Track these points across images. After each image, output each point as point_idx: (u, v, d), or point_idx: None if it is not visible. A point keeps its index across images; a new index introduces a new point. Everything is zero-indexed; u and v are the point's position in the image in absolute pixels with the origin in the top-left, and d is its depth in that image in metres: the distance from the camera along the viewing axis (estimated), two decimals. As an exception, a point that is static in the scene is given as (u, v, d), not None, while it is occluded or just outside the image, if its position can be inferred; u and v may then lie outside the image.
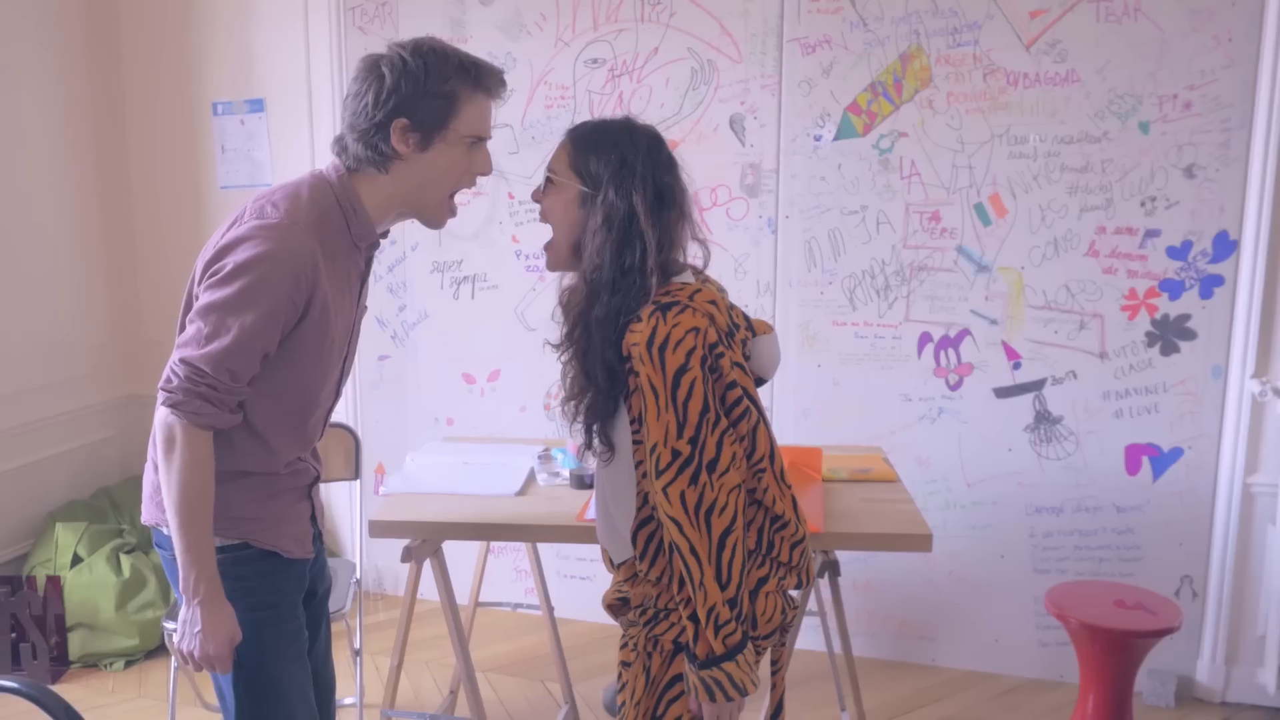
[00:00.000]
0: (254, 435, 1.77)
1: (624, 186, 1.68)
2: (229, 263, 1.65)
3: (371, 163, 1.74)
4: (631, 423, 1.70)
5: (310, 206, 1.72)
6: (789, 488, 1.78)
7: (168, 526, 1.75)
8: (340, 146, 1.77)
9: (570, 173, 1.73)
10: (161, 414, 1.69)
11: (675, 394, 1.61)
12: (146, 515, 1.86)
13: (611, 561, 1.84)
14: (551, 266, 1.82)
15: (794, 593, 1.89)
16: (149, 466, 1.85)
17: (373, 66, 1.73)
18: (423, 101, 1.71)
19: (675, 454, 1.62)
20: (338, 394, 1.93)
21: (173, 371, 1.69)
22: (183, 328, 1.75)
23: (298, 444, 1.85)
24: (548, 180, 1.77)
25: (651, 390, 1.62)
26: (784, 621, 1.77)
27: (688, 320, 1.63)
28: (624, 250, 1.67)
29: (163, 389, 1.69)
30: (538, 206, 1.83)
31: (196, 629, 1.71)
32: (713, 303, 1.68)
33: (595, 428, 1.72)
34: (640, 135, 1.75)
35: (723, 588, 1.62)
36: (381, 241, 1.88)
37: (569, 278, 1.79)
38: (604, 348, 1.67)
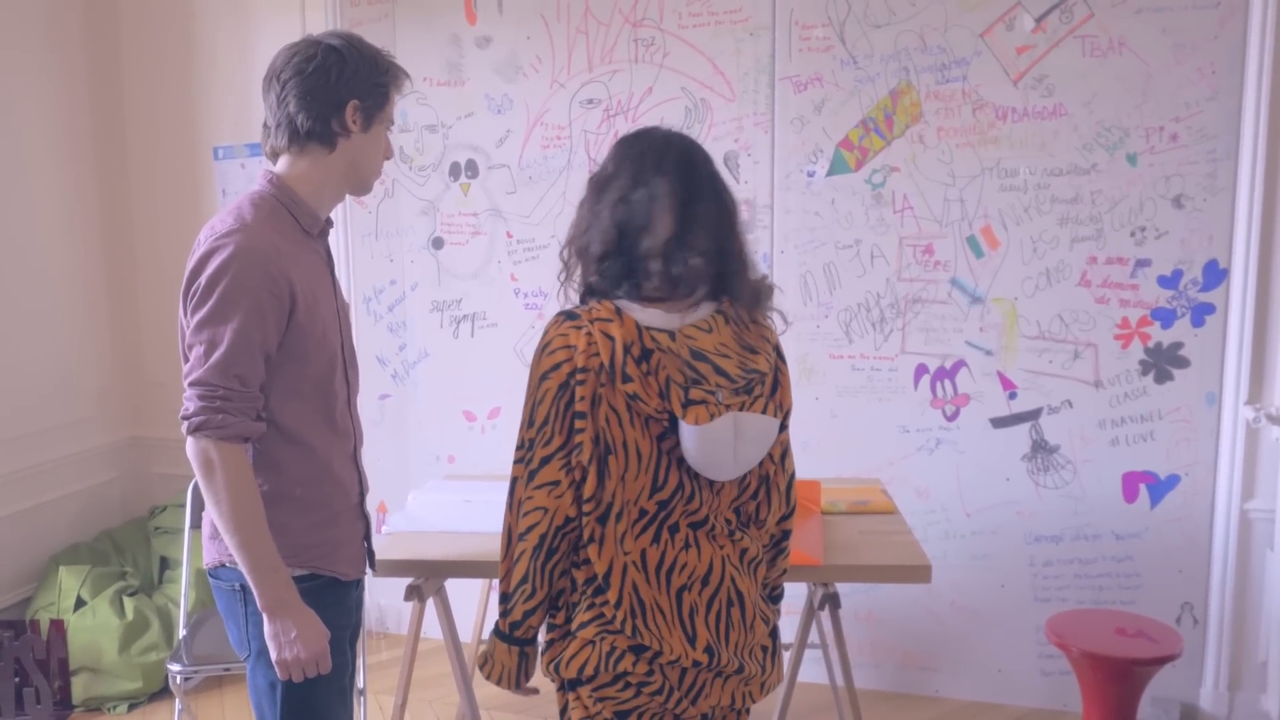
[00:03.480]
0: (293, 442, 1.84)
1: (594, 190, 1.78)
2: (201, 281, 1.74)
3: (321, 139, 1.85)
4: None
5: (255, 211, 1.82)
6: (626, 553, 1.69)
7: (230, 561, 1.82)
8: (291, 130, 1.84)
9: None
10: (190, 446, 1.74)
11: (535, 392, 1.69)
12: (206, 558, 1.91)
13: None
14: None
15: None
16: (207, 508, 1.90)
17: (329, 49, 1.83)
18: (374, 85, 1.88)
19: (520, 442, 1.71)
20: (350, 385, 1.99)
21: (186, 399, 1.74)
22: (186, 360, 1.81)
23: (335, 437, 1.91)
24: None
25: (528, 377, 1.72)
26: (626, 701, 1.73)
27: (572, 337, 1.68)
28: (581, 243, 1.77)
29: (183, 419, 1.74)
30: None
31: (292, 635, 1.78)
32: (609, 337, 1.65)
33: None
34: (647, 142, 1.80)
35: (504, 578, 1.73)
36: (330, 229, 2.00)
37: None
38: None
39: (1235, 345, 3.12)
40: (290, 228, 1.86)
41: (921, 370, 3.40)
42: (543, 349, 1.69)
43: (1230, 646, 3.23)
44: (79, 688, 3.47)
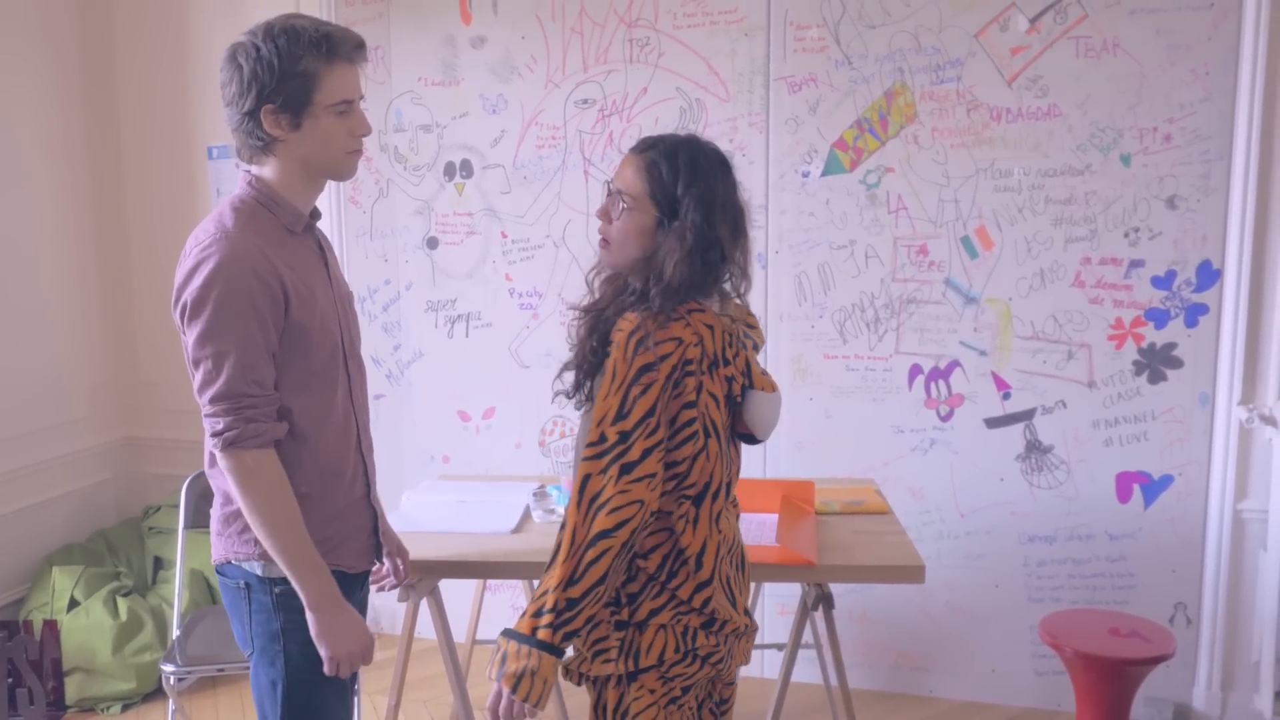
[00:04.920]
0: (298, 438, 1.83)
1: (710, 216, 1.73)
2: (194, 294, 1.73)
3: (259, 149, 1.83)
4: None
5: (235, 215, 1.80)
6: (720, 532, 1.77)
7: (236, 558, 1.83)
8: (240, 145, 1.87)
9: (648, 201, 1.76)
10: (228, 462, 1.74)
11: (631, 386, 1.66)
12: (214, 554, 1.91)
13: None
14: (610, 265, 1.84)
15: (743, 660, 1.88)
16: (216, 504, 1.90)
17: (231, 58, 1.81)
18: (282, 84, 1.76)
19: (602, 437, 1.67)
20: (351, 376, 1.97)
21: (214, 418, 1.74)
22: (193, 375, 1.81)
23: (339, 430, 1.91)
24: (623, 206, 1.78)
25: (611, 371, 1.68)
26: (692, 675, 1.76)
27: (675, 330, 1.69)
28: (704, 269, 1.73)
29: (214, 436, 1.73)
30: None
31: (341, 630, 1.81)
32: (709, 326, 1.73)
33: (582, 381, 1.81)
34: (713, 160, 1.79)
35: (566, 582, 1.64)
36: (316, 222, 1.96)
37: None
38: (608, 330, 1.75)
39: (1228, 346, 3.13)
40: (273, 227, 1.84)
41: (916, 371, 3.41)
42: (640, 341, 1.67)
43: (1223, 646, 3.23)
44: (72, 688, 3.46)
